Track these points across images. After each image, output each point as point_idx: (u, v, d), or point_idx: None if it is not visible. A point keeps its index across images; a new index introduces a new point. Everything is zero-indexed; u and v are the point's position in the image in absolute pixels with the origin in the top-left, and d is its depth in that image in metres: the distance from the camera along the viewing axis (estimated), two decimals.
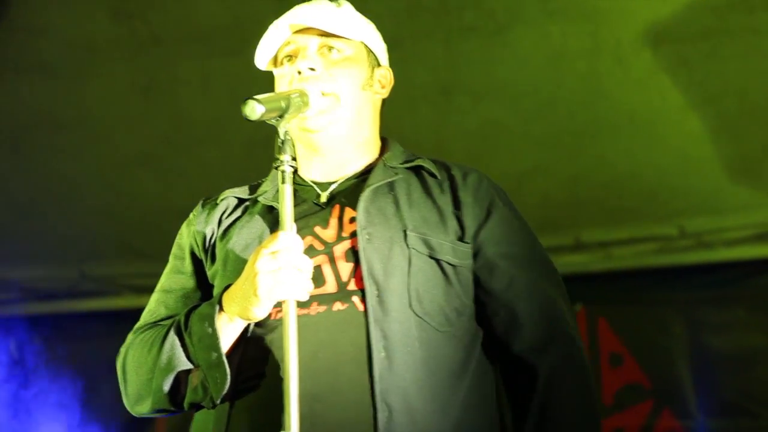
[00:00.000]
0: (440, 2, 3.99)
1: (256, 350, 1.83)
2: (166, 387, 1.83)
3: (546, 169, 4.28)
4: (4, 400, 5.03)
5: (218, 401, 1.79)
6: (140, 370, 1.92)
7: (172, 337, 1.86)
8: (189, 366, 1.82)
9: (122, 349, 1.97)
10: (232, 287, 1.80)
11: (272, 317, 1.79)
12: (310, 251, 1.86)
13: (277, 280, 1.67)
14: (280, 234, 1.70)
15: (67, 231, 4.53)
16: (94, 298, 4.77)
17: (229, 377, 1.76)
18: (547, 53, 4.02)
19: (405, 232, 1.89)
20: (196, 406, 1.87)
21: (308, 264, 1.71)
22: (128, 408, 1.96)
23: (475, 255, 1.90)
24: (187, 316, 1.86)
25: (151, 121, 4.26)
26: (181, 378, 1.87)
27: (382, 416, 1.73)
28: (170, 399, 1.86)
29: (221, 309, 1.81)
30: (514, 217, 1.99)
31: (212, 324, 1.79)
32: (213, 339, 1.78)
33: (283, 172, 1.70)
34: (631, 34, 3.91)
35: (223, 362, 1.76)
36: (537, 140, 4.22)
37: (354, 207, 1.93)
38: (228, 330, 1.80)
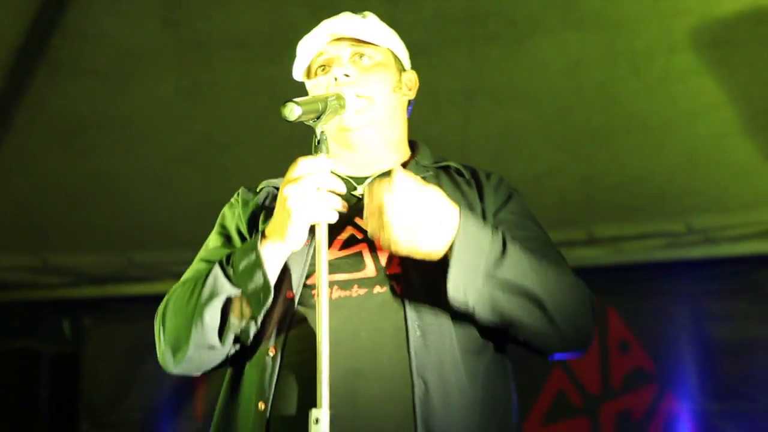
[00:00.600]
0: (466, 12, 4.08)
1: (300, 328, 1.88)
2: (208, 318, 1.87)
3: (562, 170, 4.38)
4: None
5: (259, 320, 1.85)
6: (180, 312, 1.95)
7: (215, 271, 1.90)
8: (231, 292, 1.87)
9: (161, 304, 2.01)
10: (271, 221, 1.87)
11: (314, 298, 1.83)
12: (351, 240, 1.97)
13: (304, 202, 1.74)
14: (299, 160, 1.78)
15: (116, 221, 4.62)
16: (140, 283, 4.93)
17: (272, 293, 1.83)
18: (565, 61, 4.13)
19: None
20: (236, 340, 1.89)
21: (334, 183, 1.77)
22: (163, 362, 1.98)
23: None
24: (228, 255, 1.93)
25: (194, 121, 4.38)
26: (223, 313, 1.89)
27: (418, 390, 1.81)
28: (209, 336, 1.88)
29: (263, 238, 1.89)
30: (527, 209, 2.08)
31: (256, 249, 1.84)
32: (257, 262, 1.83)
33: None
34: (645, 44, 4.02)
35: (267, 280, 1.82)
36: (555, 143, 4.34)
37: None
38: (271, 258, 1.86)
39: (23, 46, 4.28)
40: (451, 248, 1.72)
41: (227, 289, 1.82)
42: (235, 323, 1.84)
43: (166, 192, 4.55)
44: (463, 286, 1.75)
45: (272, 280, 1.83)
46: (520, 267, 1.80)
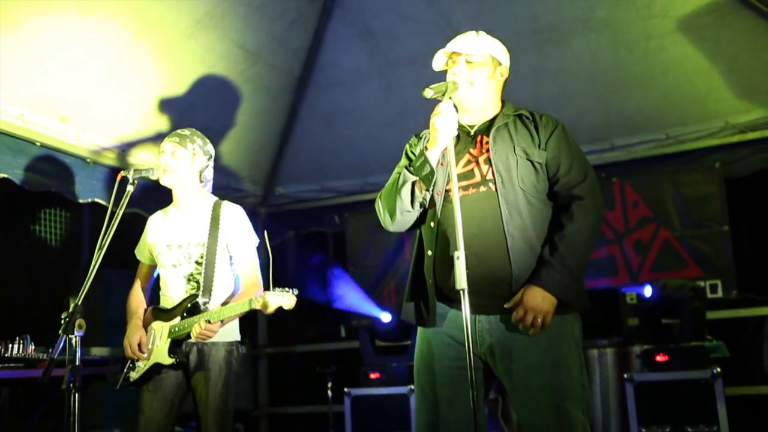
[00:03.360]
0: (530, 29, 4.89)
1: (445, 211, 2.30)
2: (404, 194, 2.27)
3: (593, 110, 5.29)
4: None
5: (428, 195, 2.28)
6: (389, 195, 2.36)
7: (404, 171, 2.31)
8: (413, 178, 2.28)
9: (378, 195, 2.44)
10: (429, 138, 2.31)
11: (451, 194, 2.18)
12: (468, 163, 2.36)
13: (443, 121, 2.18)
14: (440, 105, 2.22)
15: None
16: (370, 193, 5.78)
17: (435, 174, 2.24)
18: (589, 50, 5.00)
19: (514, 147, 2.36)
20: (420, 206, 2.32)
21: (454, 118, 2.18)
22: (384, 224, 2.45)
23: (547, 155, 2.36)
24: (409, 162, 2.34)
25: (391, 104, 5.44)
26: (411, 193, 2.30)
27: (510, 241, 2.25)
28: (406, 204, 2.28)
29: (425, 149, 2.28)
30: (566, 135, 2.39)
31: (423, 153, 2.26)
32: (425, 158, 2.24)
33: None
34: (633, 35, 4.83)
35: (432, 167, 2.23)
36: (588, 94, 5.25)
37: (488, 136, 2.37)
38: (431, 156, 2.25)
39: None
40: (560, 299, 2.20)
41: (411, 177, 2.27)
42: (418, 194, 2.29)
43: (381, 145, 5.46)
44: (578, 293, 2.27)
45: (434, 166, 2.22)
46: (578, 259, 2.25)
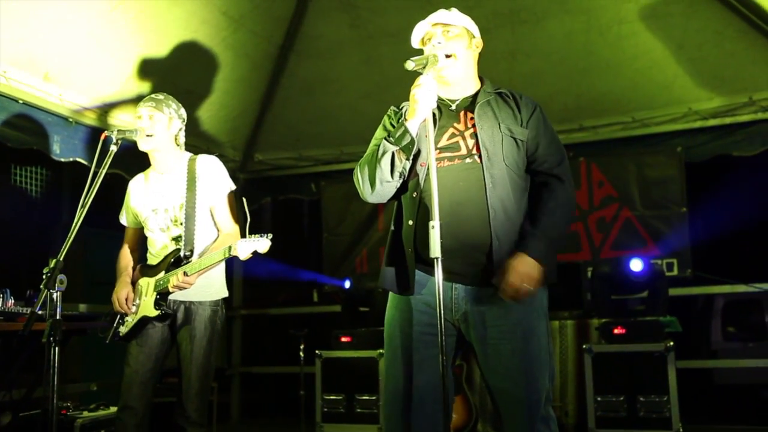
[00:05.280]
0: (507, 9, 4.87)
1: (427, 182, 2.23)
2: (383, 164, 2.26)
3: (564, 90, 5.34)
4: None
5: (408, 165, 2.26)
6: (369, 165, 2.33)
7: (384, 142, 2.28)
8: (393, 149, 2.25)
9: (357, 165, 2.40)
10: (407, 109, 2.26)
11: (437, 164, 2.16)
12: (452, 136, 2.33)
13: (423, 93, 2.16)
14: (421, 77, 2.20)
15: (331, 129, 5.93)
16: (346, 163, 5.99)
17: (415, 143, 2.23)
18: (563, 31, 4.99)
19: (499, 125, 2.34)
20: (400, 176, 2.29)
21: (433, 91, 2.15)
22: (362, 195, 2.40)
23: (527, 134, 2.36)
24: (388, 134, 2.29)
25: (371, 77, 5.39)
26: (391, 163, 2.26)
27: (492, 213, 2.25)
28: (386, 174, 2.27)
29: (405, 119, 2.25)
30: (543, 116, 2.41)
31: (403, 123, 2.24)
32: (405, 128, 2.23)
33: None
34: (606, 19, 4.82)
35: (412, 137, 2.22)
36: (559, 75, 5.28)
37: (472, 112, 2.37)
38: (410, 126, 2.24)
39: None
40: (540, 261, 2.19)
41: (391, 147, 2.25)
42: (398, 164, 2.27)
43: (359, 116, 5.50)
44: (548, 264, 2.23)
45: (414, 137, 2.21)
46: (556, 231, 2.28)
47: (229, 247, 2.89)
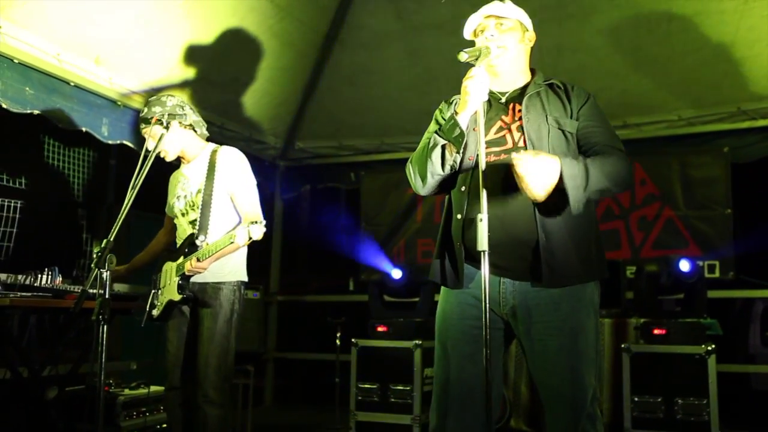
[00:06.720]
0: (555, 2, 4.87)
1: (476, 176, 2.19)
2: (434, 158, 2.24)
3: (609, 86, 5.15)
4: None
5: (458, 158, 2.23)
6: (420, 159, 2.32)
7: (434, 135, 2.25)
8: (443, 142, 2.23)
9: (409, 159, 2.39)
10: (459, 101, 2.19)
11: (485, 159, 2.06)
12: (500, 129, 2.30)
13: (474, 85, 2.12)
14: (473, 69, 2.14)
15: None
16: (387, 153, 6.15)
17: (465, 135, 2.17)
18: (609, 27, 4.96)
19: (546, 116, 2.29)
20: (450, 169, 2.26)
21: (486, 83, 2.11)
22: (415, 189, 2.39)
23: (578, 125, 2.28)
24: (439, 127, 2.26)
25: (415, 68, 5.44)
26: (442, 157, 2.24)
27: (539, 206, 2.16)
28: (437, 167, 2.25)
29: (455, 113, 2.20)
30: (597, 106, 2.34)
31: (453, 116, 2.20)
32: (455, 121, 2.18)
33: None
34: (653, 14, 4.77)
35: (462, 129, 2.16)
36: (603, 72, 5.15)
37: (520, 104, 2.32)
38: (461, 119, 2.18)
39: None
40: (561, 178, 2.05)
41: (441, 140, 2.23)
42: (448, 157, 2.23)
43: (400, 108, 5.69)
44: (577, 201, 2.09)
45: (464, 129, 2.15)
46: (599, 177, 2.11)
47: (229, 236, 2.94)
